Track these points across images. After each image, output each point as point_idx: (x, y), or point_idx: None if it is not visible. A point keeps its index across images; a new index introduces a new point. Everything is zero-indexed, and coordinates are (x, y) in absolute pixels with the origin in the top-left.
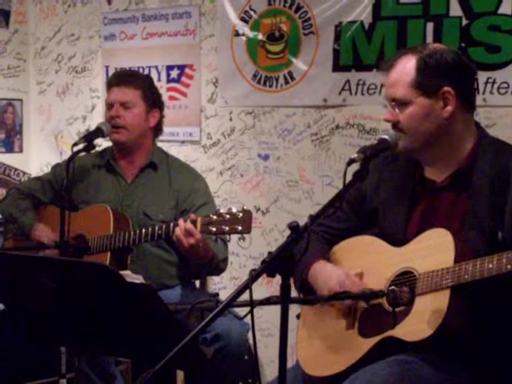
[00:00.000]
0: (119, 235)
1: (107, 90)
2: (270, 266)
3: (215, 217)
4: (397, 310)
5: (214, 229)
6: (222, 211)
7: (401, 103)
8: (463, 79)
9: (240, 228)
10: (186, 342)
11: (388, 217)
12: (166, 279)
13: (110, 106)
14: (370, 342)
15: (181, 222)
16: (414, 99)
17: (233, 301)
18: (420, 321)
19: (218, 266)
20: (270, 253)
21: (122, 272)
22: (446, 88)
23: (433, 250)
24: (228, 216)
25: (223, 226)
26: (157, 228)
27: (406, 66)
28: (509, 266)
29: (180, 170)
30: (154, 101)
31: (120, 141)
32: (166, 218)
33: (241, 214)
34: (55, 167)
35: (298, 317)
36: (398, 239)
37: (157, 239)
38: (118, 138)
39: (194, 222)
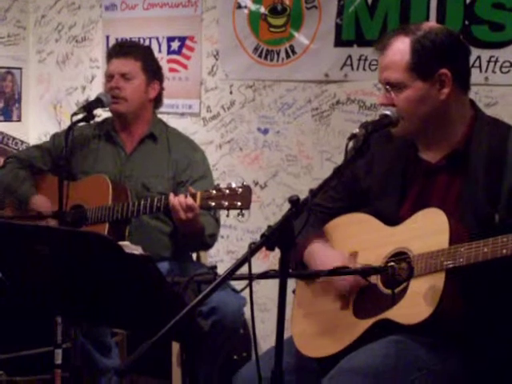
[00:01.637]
0: (118, 206)
1: (107, 60)
2: (270, 239)
3: (215, 192)
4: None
5: (213, 204)
6: (221, 186)
7: (396, 87)
8: (459, 60)
9: (239, 204)
10: (183, 314)
11: (381, 197)
12: (163, 251)
13: (109, 76)
14: (365, 324)
15: (182, 197)
16: (410, 83)
17: (231, 274)
18: (415, 303)
19: (205, 240)
20: (269, 226)
21: (120, 243)
22: (443, 70)
23: (427, 230)
24: (227, 191)
25: (222, 201)
26: (156, 200)
27: (400, 48)
28: (504, 251)
29: (179, 141)
30: (154, 73)
31: (119, 111)
32: (164, 189)
33: (240, 190)
34: (54, 136)
35: (294, 292)
36: (390, 219)
37: (155, 211)
38: (117, 109)
39: (193, 196)
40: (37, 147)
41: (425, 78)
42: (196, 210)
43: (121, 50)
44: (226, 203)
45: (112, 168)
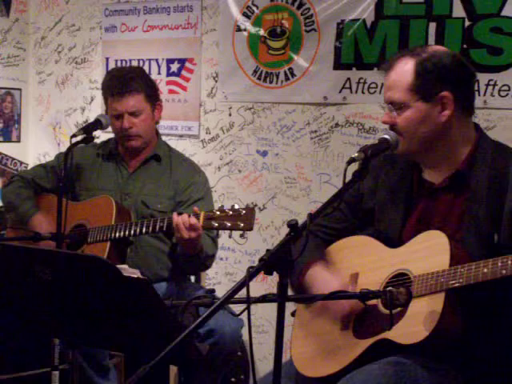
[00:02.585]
0: (120, 226)
1: (108, 97)
2: (268, 263)
3: (218, 212)
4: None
5: (216, 224)
6: (225, 207)
7: (398, 106)
8: (462, 83)
9: (242, 225)
10: (182, 337)
11: (385, 217)
12: (163, 271)
13: (118, 116)
14: (365, 344)
15: (185, 216)
16: (412, 103)
17: (230, 298)
18: (414, 323)
19: (204, 261)
20: (268, 250)
21: (118, 266)
22: (444, 93)
23: (428, 252)
24: (231, 212)
25: (225, 222)
26: (159, 221)
27: (404, 69)
28: (503, 271)
29: (181, 162)
30: (154, 95)
31: (135, 147)
32: (164, 208)
33: (244, 211)
34: (58, 156)
35: (292, 314)
36: (393, 240)
37: (158, 231)
38: (134, 145)
39: (196, 216)
40: (41, 166)
41: (426, 99)
42: (199, 229)
43: (122, 86)
44: (229, 224)
45: (113, 185)
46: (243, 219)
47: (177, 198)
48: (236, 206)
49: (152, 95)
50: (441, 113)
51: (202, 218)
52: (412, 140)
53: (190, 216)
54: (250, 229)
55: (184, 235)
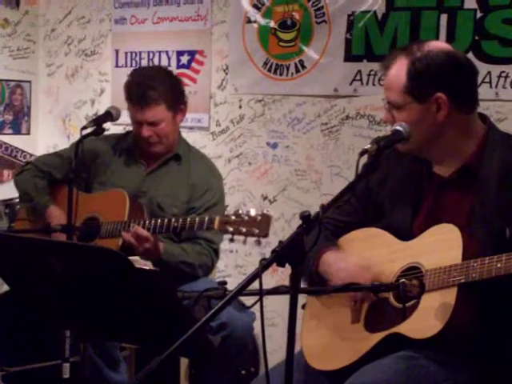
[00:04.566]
0: (134, 223)
1: (129, 101)
2: (281, 255)
3: (234, 217)
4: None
5: (231, 229)
6: (240, 212)
7: (395, 107)
8: (458, 84)
9: (257, 231)
10: (194, 329)
11: (395, 211)
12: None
13: (138, 123)
14: (376, 338)
15: (133, 231)
16: (407, 105)
17: (242, 290)
18: (426, 318)
19: (178, 266)
20: (280, 242)
21: (130, 258)
22: (438, 94)
23: (440, 245)
24: (246, 218)
25: (240, 227)
26: (173, 220)
27: (399, 70)
28: None
29: (200, 164)
30: (177, 101)
31: (158, 152)
32: (178, 212)
33: (259, 218)
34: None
35: (303, 307)
36: (404, 233)
37: (172, 231)
38: (155, 150)
39: (211, 220)
40: (57, 155)
41: (420, 101)
42: (150, 238)
43: (141, 97)
44: (244, 230)
45: (129, 182)
46: (259, 225)
47: (190, 204)
48: (252, 212)
49: (174, 102)
50: (437, 113)
51: (217, 222)
52: (412, 139)
53: (135, 227)
54: (265, 236)
55: (139, 249)
